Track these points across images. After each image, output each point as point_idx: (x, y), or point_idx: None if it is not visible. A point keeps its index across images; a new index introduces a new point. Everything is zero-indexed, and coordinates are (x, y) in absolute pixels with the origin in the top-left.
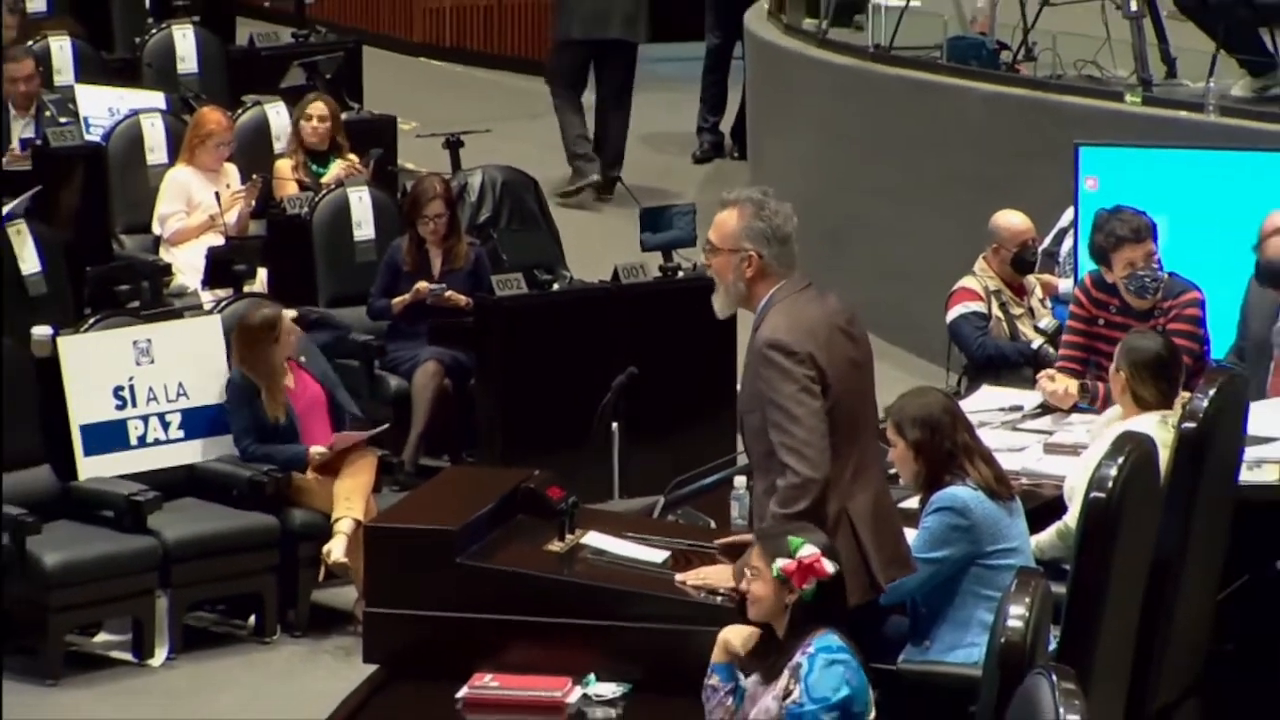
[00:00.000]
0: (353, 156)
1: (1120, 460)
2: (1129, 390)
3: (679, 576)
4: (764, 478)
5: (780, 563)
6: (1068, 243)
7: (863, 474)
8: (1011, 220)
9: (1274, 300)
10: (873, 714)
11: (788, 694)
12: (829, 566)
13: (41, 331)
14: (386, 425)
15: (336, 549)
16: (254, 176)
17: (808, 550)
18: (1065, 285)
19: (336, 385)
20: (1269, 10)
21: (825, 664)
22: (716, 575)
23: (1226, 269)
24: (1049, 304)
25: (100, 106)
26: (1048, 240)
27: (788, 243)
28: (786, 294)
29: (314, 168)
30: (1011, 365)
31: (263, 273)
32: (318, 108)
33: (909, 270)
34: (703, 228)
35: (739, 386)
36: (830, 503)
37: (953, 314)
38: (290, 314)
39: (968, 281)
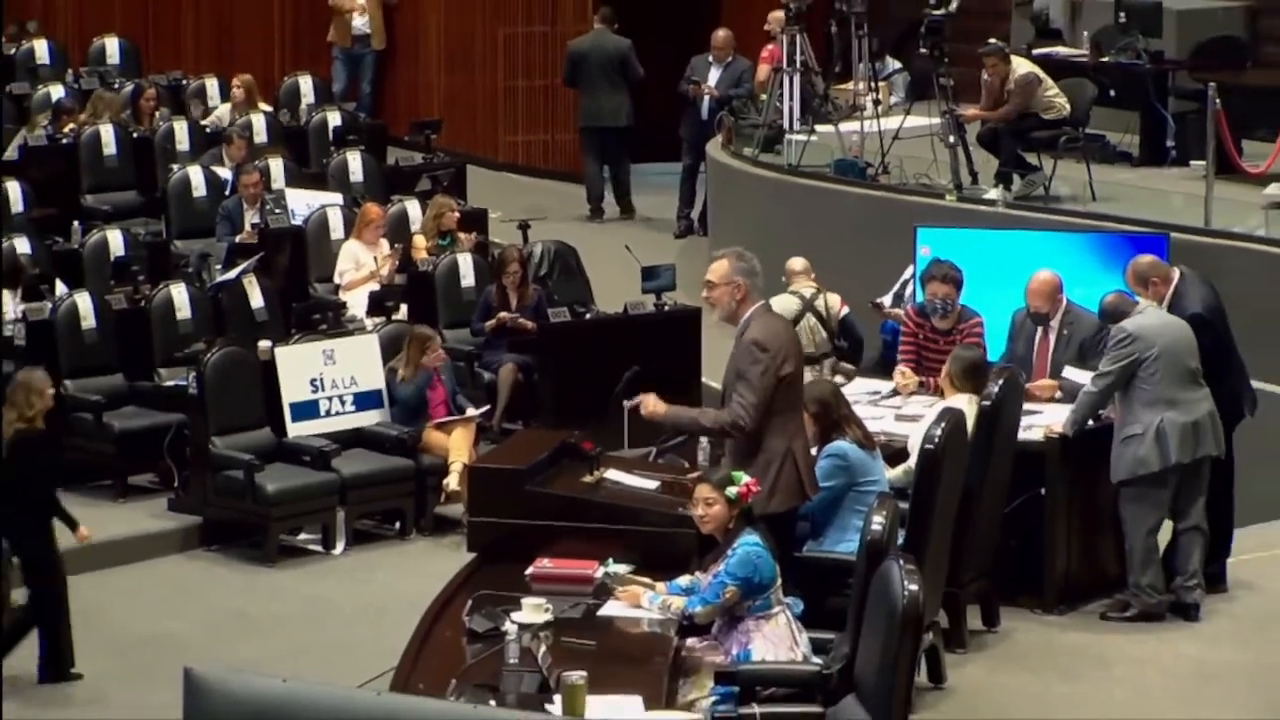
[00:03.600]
0: (463, 234)
1: (943, 425)
2: (956, 384)
3: (665, 497)
4: (712, 417)
5: (733, 489)
6: (910, 289)
7: (799, 426)
8: (802, 262)
9: (1031, 331)
10: (779, 582)
11: (717, 569)
12: (756, 484)
13: (264, 344)
14: (488, 407)
15: (452, 482)
16: (396, 246)
17: (748, 477)
18: None
19: (457, 390)
20: (1038, 142)
21: (744, 553)
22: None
23: (1006, 305)
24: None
25: (301, 203)
26: (896, 286)
27: (758, 276)
28: (760, 313)
29: (440, 242)
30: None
31: (404, 307)
32: (452, 206)
33: None
34: (681, 280)
35: (725, 372)
36: (780, 442)
37: (846, 310)
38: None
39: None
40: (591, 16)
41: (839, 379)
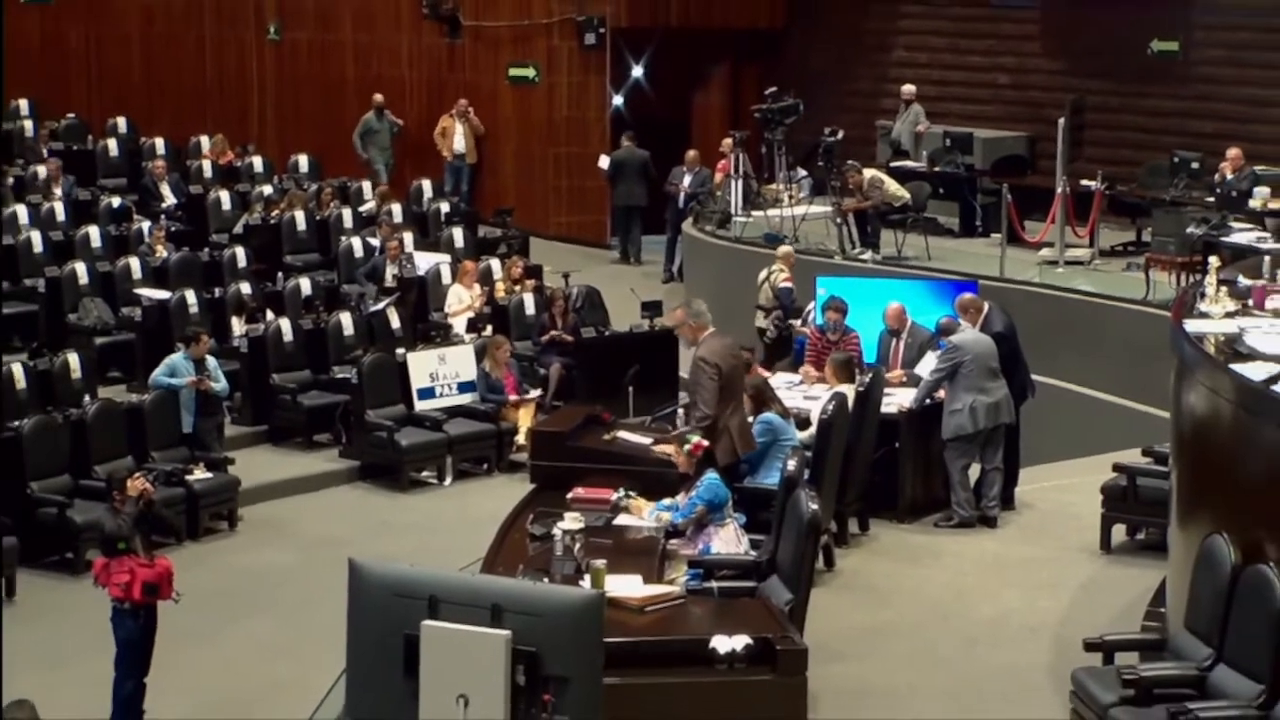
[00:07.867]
0: (527, 281)
1: (833, 403)
2: (837, 376)
3: (657, 448)
4: (691, 414)
5: (687, 446)
6: (812, 315)
7: (736, 410)
8: (789, 248)
9: (888, 342)
10: (730, 503)
11: (690, 495)
12: (705, 443)
13: (400, 351)
14: (541, 391)
15: (520, 439)
16: (482, 288)
17: (696, 439)
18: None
19: (523, 380)
20: (894, 222)
21: (708, 484)
22: (672, 449)
23: (875, 326)
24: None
25: (423, 260)
26: (805, 314)
27: (704, 314)
28: (709, 337)
29: (514, 285)
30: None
31: (490, 328)
32: (520, 263)
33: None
34: (665, 310)
35: (682, 376)
36: (721, 422)
37: (785, 284)
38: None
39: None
40: (611, 140)
41: (766, 322)
